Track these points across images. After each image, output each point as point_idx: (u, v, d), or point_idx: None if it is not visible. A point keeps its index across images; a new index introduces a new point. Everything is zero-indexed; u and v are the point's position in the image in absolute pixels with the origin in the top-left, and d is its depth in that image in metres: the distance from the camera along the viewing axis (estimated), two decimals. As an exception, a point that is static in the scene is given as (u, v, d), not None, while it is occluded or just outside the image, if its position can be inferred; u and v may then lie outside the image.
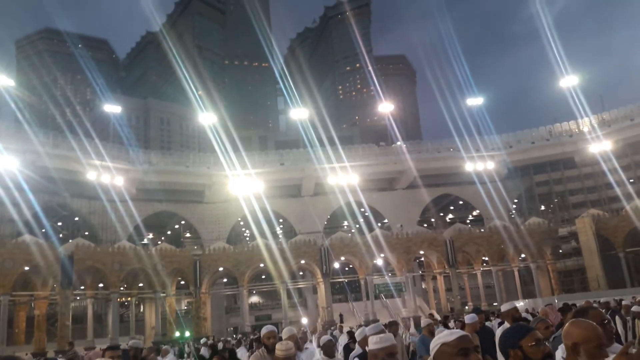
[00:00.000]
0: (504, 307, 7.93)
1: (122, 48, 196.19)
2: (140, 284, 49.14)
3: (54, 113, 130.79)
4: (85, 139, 55.06)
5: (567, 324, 3.05)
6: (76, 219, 57.89)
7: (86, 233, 55.56)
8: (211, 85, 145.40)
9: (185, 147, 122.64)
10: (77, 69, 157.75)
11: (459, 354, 2.38)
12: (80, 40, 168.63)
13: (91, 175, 51.23)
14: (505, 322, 7.75)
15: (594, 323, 3.01)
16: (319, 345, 7.66)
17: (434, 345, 2.49)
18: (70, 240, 46.17)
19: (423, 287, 58.18)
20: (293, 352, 5.07)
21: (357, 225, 56.03)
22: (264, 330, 6.10)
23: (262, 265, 47.02)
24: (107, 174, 52.40)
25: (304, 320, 44.94)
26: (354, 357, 6.57)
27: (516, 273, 50.18)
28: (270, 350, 5.60)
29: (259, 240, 47.95)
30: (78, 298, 47.51)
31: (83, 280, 44.04)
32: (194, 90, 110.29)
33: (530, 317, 12.31)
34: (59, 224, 57.41)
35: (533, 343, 2.67)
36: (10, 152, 44.90)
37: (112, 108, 69.57)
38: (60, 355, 24.05)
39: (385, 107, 73.59)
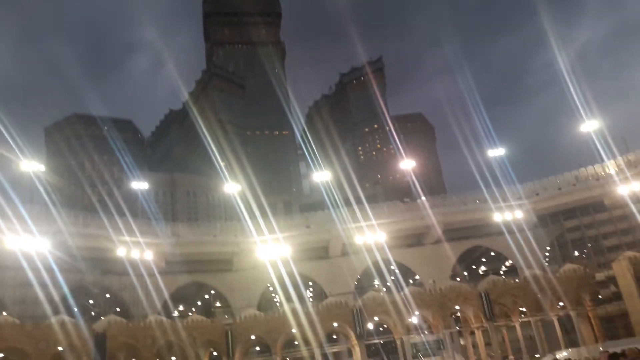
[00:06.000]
0: None
1: (147, 127, 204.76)
2: (173, 358, 48.45)
3: (83, 194, 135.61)
4: (115, 217, 56.65)
5: None
6: (107, 295, 58.38)
7: (118, 309, 55.78)
8: (235, 156, 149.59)
9: (212, 218, 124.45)
10: (104, 149, 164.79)
11: None
12: (106, 122, 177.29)
13: (121, 252, 52.27)
14: None
15: None
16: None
17: None
18: (102, 318, 46.43)
19: (462, 343, 55.77)
20: None
21: (389, 284, 55.05)
22: None
23: (294, 330, 46.14)
24: (136, 249, 53.40)
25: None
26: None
27: (556, 322, 48.03)
28: None
29: (289, 306, 47.38)
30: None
31: (117, 357, 43.76)
32: (219, 161, 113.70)
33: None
34: (91, 302, 57.91)
35: None
36: (42, 234, 46.42)
37: (139, 185, 71.93)
38: None
39: (407, 164, 74.31)
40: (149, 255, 54.16)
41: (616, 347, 23.93)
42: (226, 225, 67.64)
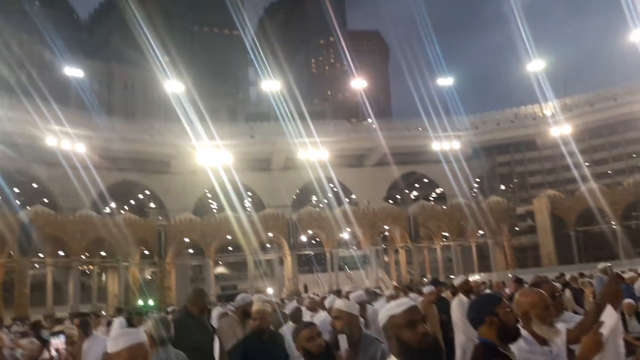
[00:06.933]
0: (457, 281, 8.50)
1: (84, 8, 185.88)
2: (103, 253, 48.28)
3: (9, 75, 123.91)
4: (43, 104, 52.36)
5: (516, 296, 3.34)
6: (34, 185, 55.79)
7: (45, 200, 53.70)
8: (179, 51, 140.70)
9: (150, 115, 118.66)
10: (34, 28, 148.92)
11: (407, 326, 2.37)
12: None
13: (51, 141, 49.30)
14: (460, 294, 8.09)
15: (540, 290, 3.33)
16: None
17: (383, 317, 2.48)
18: (28, 207, 44.62)
19: (385, 260, 59.56)
20: (269, 312, 5.11)
21: (326, 200, 56.43)
22: (242, 301, 6.06)
23: (229, 237, 46.94)
24: (67, 140, 50.54)
25: (270, 290, 45.43)
26: (325, 323, 6.25)
27: (474, 248, 52.13)
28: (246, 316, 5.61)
29: (228, 213, 47.70)
30: (37, 266, 46.31)
31: (42, 248, 42.90)
32: (160, 56, 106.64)
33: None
34: (16, 190, 55.12)
35: (508, 309, 2.79)
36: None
37: (73, 71, 66.74)
38: (18, 323, 23.53)
39: (358, 84, 73.46)
40: (80, 148, 51.57)
41: (524, 274, 26.18)
42: (165, 125, 65.15)
